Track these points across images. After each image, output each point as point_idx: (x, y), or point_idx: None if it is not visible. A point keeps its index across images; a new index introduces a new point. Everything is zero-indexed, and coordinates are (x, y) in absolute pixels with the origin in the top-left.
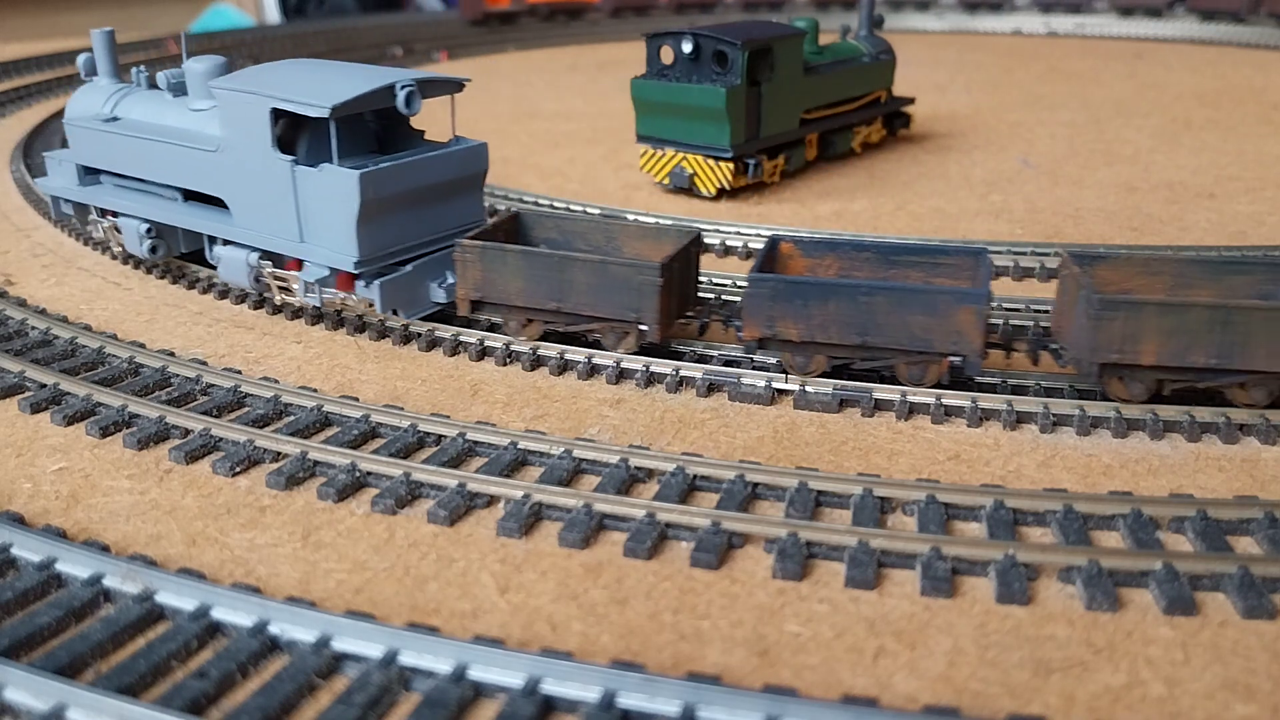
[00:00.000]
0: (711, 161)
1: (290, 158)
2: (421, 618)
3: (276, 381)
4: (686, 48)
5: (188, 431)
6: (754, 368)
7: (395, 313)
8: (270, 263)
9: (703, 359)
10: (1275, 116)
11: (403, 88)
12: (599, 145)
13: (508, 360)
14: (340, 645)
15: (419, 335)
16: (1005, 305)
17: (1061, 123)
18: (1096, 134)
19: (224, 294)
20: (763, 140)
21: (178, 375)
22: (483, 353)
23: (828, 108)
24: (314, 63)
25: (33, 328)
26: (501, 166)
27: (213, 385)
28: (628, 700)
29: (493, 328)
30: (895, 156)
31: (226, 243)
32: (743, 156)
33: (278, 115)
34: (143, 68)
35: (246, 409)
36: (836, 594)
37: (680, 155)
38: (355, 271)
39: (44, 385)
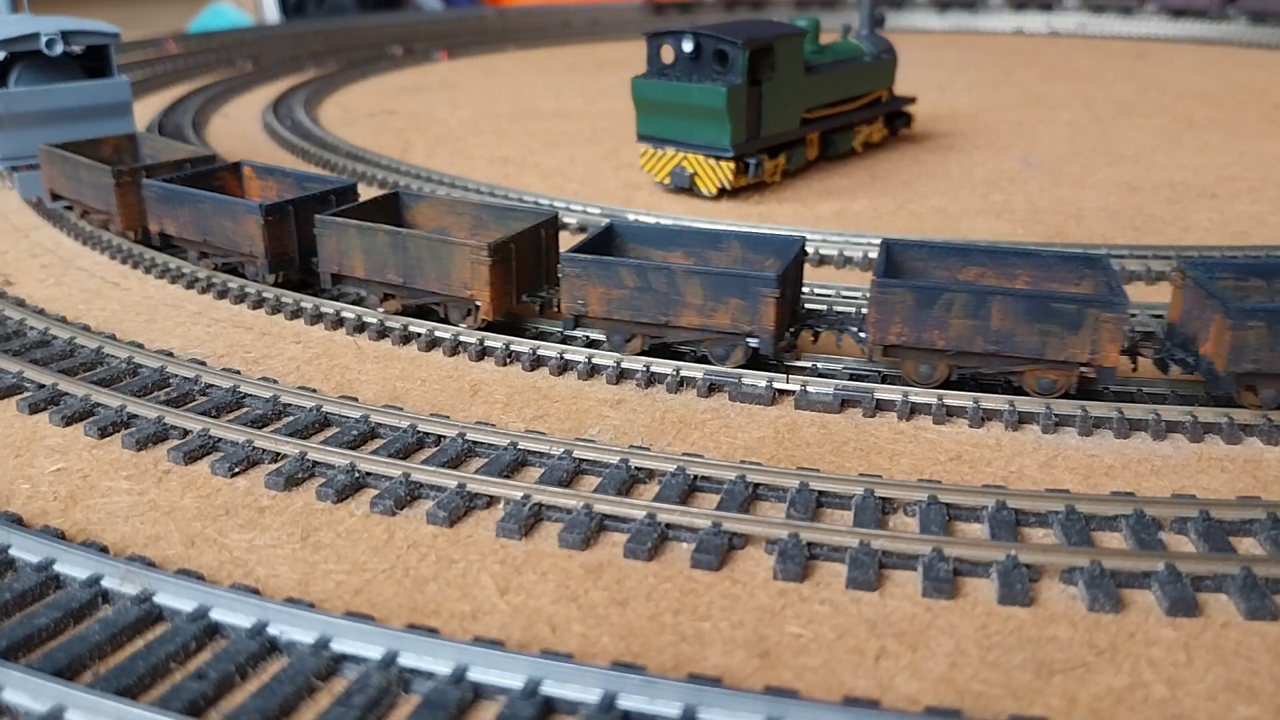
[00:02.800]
0: (712, 161)
1: None
2: (421, 619)
3: (275, 382)
4: (687, 47)
5: (186, 432)
6: (754, 368)
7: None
8: None
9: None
10: (1277, 116)
11: (45, 36)
12: (599, 145)
13: (508, 360)
14: (339, 647)
15: (419, 335)
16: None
17: (1063, 122)
18: (1098, 134)
19: (223, 294)
20: (764, 140)
21: (176, 375)
22: (482, 353)
23: (829, 107)
24: (24, 17)
25: (31, 328)
26: (501, 166)
27: (211, 385)
28: (628, 702)
29: (492, 328)
30: (896, 156)
31: None
32: (743, 156)
33: None
34: None
35: (245, 409)
36: (838, 595)
37: (681, 155)
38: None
39: (42, 385)
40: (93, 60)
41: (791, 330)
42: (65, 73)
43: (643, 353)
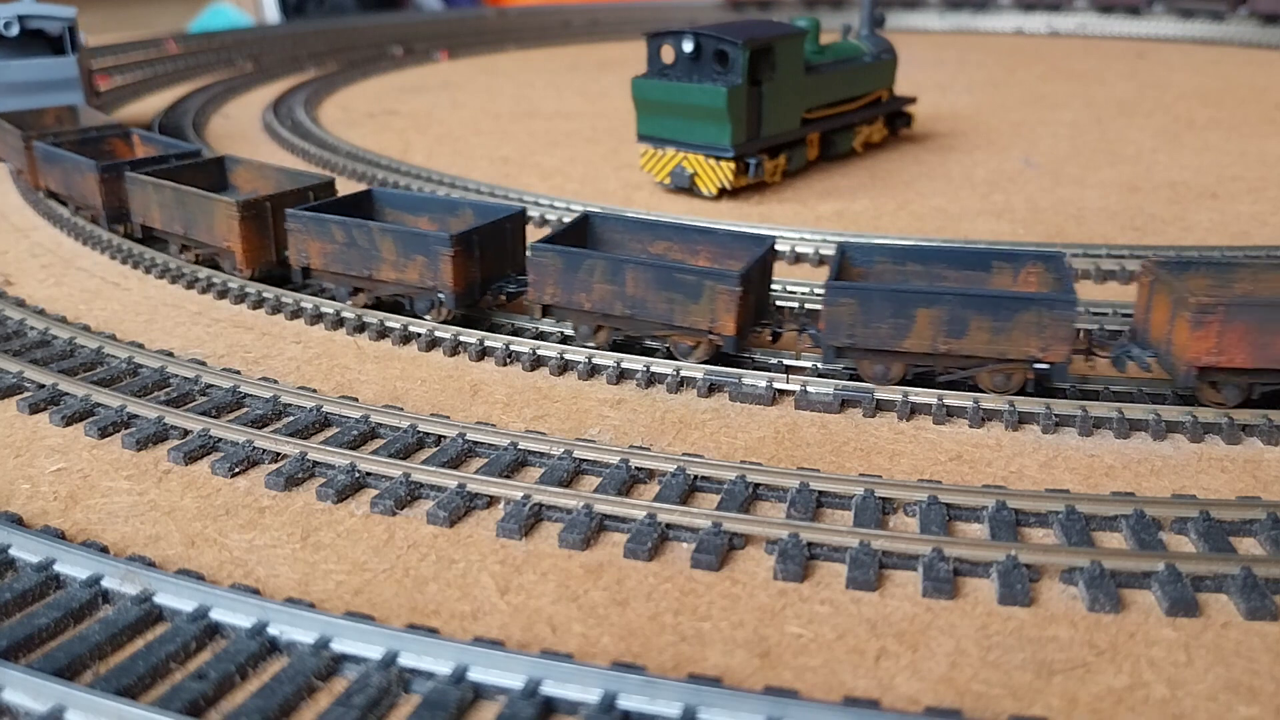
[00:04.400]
0: (712, 161)
1: None
2: (421, 619)
3: (275, 382)
4: (687, 47)
5: (186, 432)
6: (754, 368)
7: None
8: None
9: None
10: (1278, 116)
11: (2, 19)
12: (599, 145)
13: (508, 360)
14: (340, 647)
15: (419, 335)
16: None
17: (1064, 122)
18: (1099, 134)
19: (223, 294)
20: (764, 140)
21: (176, 375)
22: (483, 353)
23: (829, 107)
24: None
25: (31, 328)
26: (502, 166)
27: (212, 385)
28: (628, 702)
29: (492, 328)
30: (897, 156)
31: None
32: (744, 156)
33: None
34: None
35: (245, 409)
36: (838, 595)
37: (681, 155)
38: None
39: (42, 385)
40: (60, 42)
41: (489, 290)
42: (33, 51)
43: (368, 306)
